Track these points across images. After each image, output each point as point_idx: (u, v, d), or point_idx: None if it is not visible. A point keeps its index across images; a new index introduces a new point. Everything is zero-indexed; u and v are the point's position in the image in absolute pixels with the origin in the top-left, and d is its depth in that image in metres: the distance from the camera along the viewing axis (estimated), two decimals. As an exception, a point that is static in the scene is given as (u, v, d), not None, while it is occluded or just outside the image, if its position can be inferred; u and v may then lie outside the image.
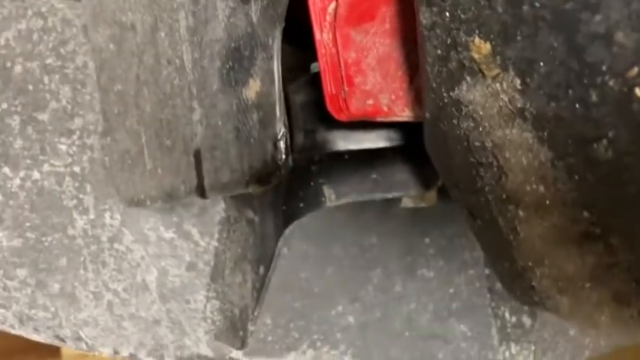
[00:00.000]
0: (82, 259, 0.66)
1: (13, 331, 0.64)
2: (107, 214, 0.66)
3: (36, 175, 0.66)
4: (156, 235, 0.67)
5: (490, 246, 0.47)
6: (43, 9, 0.69)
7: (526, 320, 0.82)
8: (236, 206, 0.69)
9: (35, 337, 0.64)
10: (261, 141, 0.44)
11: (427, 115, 0.44)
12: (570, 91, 0.34)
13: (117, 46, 0.60)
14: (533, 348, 0.82)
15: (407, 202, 0.70)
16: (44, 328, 0.64)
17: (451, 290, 0.78)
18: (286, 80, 0.65)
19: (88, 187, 0.66)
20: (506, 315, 0.80)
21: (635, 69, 0.32)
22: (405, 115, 0.48)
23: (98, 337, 0.65)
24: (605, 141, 0.34)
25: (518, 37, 0.35)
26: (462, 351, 0.78)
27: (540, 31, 0.34)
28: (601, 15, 0.32)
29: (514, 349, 0.80)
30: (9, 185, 0.65)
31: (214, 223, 0.69)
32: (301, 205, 0.60)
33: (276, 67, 0.43)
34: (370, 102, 0.47)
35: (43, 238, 0.65)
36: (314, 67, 0.60)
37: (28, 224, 0.64)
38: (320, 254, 0.71)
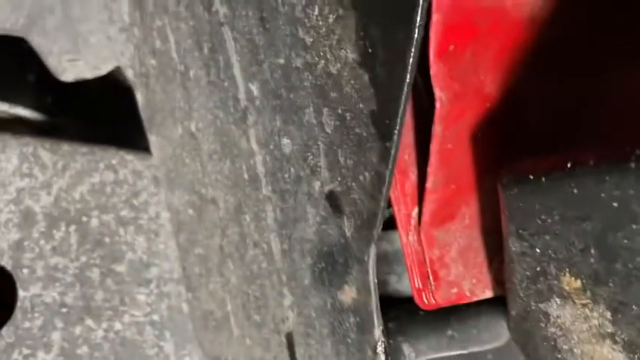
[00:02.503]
0: (168, 407, 0.69)
1: None
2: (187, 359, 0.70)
3: (118, 325, 0.69)
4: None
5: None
6: (114, 161, 0.72)
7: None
8: None
9: None
10: (359, 344, 0.47)
11: (513, 312, 0.48)
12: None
13: (197, 214, 0.63)
14: None
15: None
16: None
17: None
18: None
19: (168, 334, 0.70)
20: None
21: None
22: (486, 294, 0.52)
23: None
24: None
25: (610, 284, 0.39)
26: None
27: (633, 285, 0.37)
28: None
29: None
30: (93, 337, 0.69)
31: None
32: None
33: (372, 281, 0.46)
34: (454, 290, 0.51)
35: (130, 388, 0.68)
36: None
37: (113, 374, 0.68)
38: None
